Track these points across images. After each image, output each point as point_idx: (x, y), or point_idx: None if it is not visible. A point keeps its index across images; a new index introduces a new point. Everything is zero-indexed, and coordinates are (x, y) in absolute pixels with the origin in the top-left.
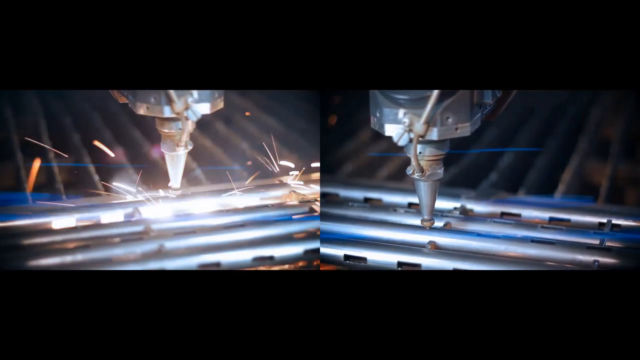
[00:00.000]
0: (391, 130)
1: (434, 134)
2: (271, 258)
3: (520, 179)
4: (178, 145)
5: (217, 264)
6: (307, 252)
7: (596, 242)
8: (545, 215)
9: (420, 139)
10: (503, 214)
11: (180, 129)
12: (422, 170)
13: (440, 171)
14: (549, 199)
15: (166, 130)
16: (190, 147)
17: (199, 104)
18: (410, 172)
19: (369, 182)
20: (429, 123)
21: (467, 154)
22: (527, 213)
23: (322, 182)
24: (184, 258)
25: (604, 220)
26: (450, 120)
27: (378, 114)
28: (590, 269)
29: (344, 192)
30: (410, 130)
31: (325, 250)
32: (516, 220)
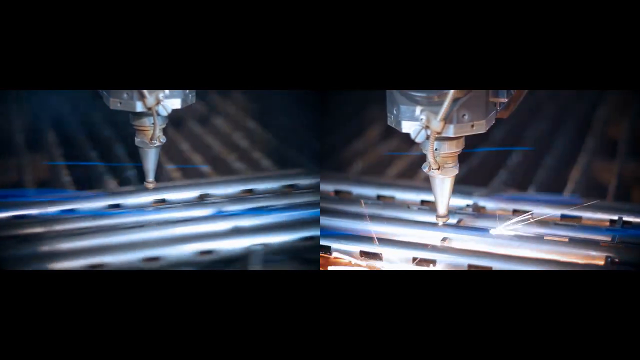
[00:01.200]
0: (408, 127)
1: (450, 131)
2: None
3: (529, 177)
4: (151, 140)
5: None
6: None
7: (608, 238)
8: (557, 212)
9: (437, 135)
10: (515, 211)
11: (153, 124)
12: (437, 167)
13: (456, 168)
14: (537, 196)
15: (139, 125)
16: (163, 142)
17: (170, 100)
18: (426, 168)
19: (382, 180)
20: (446, 120)
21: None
22: (539, 210)
23: (335, 179)
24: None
25: (615, 218)
26: (466, 117)
27: (395, 111)
28: (609, 268)
29: (357, 190)
30: (427, 127)
31: (340, 246)
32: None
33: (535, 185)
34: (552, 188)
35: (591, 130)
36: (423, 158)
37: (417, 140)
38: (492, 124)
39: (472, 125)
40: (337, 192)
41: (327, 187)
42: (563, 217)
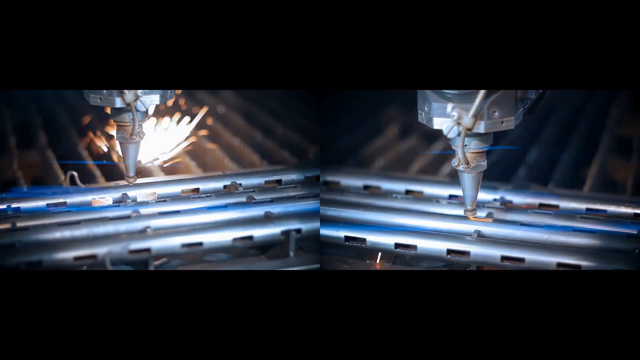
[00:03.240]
0: (439, 123)
1: (481, 127)
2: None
3: (548, 174)
4: (131, 135)
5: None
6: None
7: (634, 232)
8: (582, 206)
9: (467, 132)
10: (541, 205)
11: (132, 119)
12: (467, 163)
13: (484, 163)
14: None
15: (120, 121)
16: (143, 137)
17: (149, 95)
18: (456, 164)
19: (410, 176)
20: (477, 117)
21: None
22: (564, 204)
23: (365, 175)
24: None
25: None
26: (496, 114)
27: (426, 108)
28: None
29: (386, 185)
30: (458, 124)
31: (375, 238)
32: (555, 211)
33: (554, 182)
34: (570, 185)
35: (605, 130)
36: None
37: (449, 136)
38: (519, 121)
39: (502, 122)
40: (365, 187)
41: (356, 183)
42: (588, 211)
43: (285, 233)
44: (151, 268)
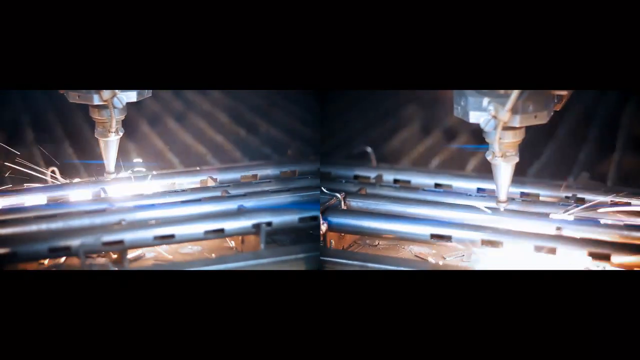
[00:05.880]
0: (475, 117)
1: (516, 121)
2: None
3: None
4: (109, 132)
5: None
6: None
7: None
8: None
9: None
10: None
11: (110, 116)
12: (501, 155)
13: (517, 156)
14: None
15: (98, 117)
16: (121, 134)
17: (126, 92)
18: (490, 156)
19: (435, 170)
20: (512, 111)
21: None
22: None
23: (397, 170)
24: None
25: None
26: (530, 108)
27: (462, 103)
28: None
29: (415, 179)
30: (494, 117)
31: (412, 229)
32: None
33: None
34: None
35: (620, 128)
36: None
37: (486, 129)
38: (551, 115)
39: (535, 116)
40: (397, 181)
41: (388, 177)
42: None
43: (257, 226)
44: (126, 263)
